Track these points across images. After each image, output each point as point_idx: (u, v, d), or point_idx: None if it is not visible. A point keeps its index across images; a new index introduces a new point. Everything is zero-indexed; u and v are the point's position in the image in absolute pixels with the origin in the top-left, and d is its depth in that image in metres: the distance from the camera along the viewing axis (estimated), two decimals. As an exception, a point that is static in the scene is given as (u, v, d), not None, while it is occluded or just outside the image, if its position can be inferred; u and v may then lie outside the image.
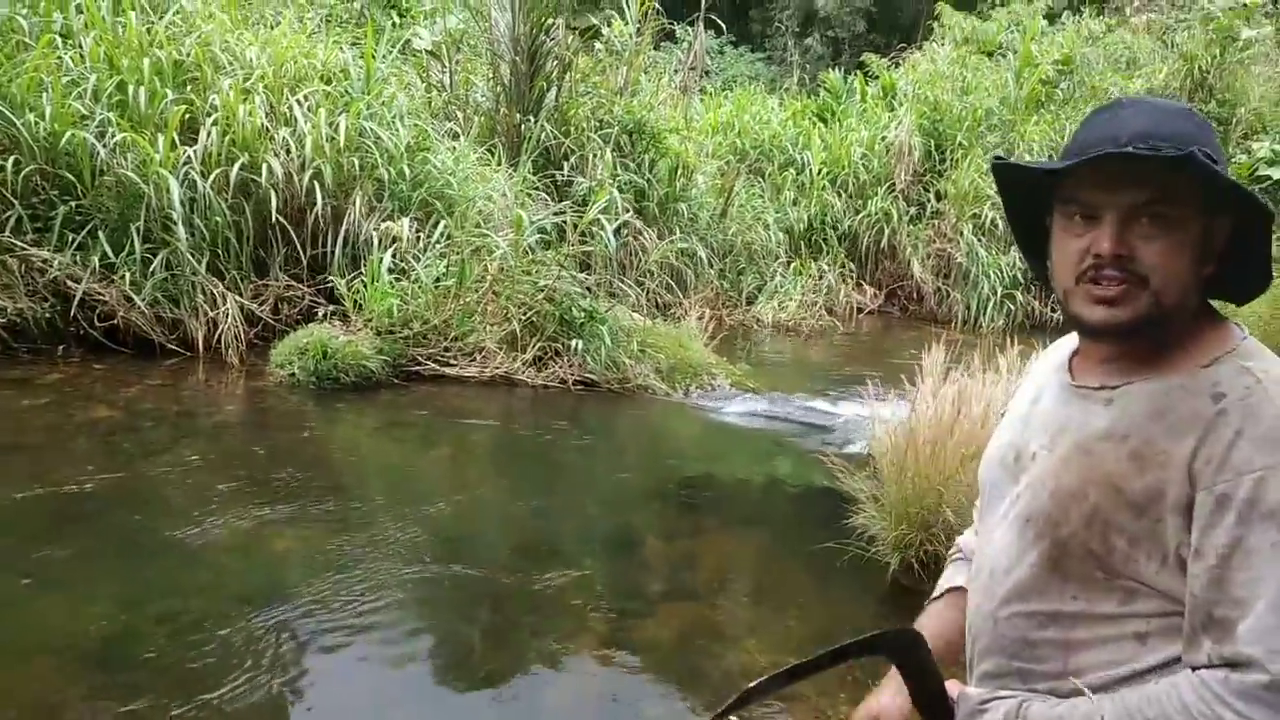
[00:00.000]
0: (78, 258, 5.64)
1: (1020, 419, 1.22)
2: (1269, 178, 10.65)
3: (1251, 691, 0.88)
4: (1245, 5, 11.15)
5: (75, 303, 5.53)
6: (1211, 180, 0.98)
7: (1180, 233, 1.01)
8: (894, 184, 10.95)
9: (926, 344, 4.41)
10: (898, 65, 13.90)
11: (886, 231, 10.64)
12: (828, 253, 10.53)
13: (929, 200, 10.92)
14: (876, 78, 13.34)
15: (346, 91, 7.06)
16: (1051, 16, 15.01)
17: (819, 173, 10.88)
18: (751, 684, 0.99)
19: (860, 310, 10.38)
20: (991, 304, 10.03)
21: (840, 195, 10.89)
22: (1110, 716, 0.97)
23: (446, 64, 8.74)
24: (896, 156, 10.97)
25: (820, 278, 10.18)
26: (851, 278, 10.54)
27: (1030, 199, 1.14)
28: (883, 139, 11.33)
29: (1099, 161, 1.01)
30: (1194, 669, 0.94)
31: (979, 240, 10.33)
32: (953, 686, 1.13)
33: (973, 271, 10.24)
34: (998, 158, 1.12)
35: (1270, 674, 0.87)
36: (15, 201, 5.53)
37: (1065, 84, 11.89)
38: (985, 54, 13.34)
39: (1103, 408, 1.07)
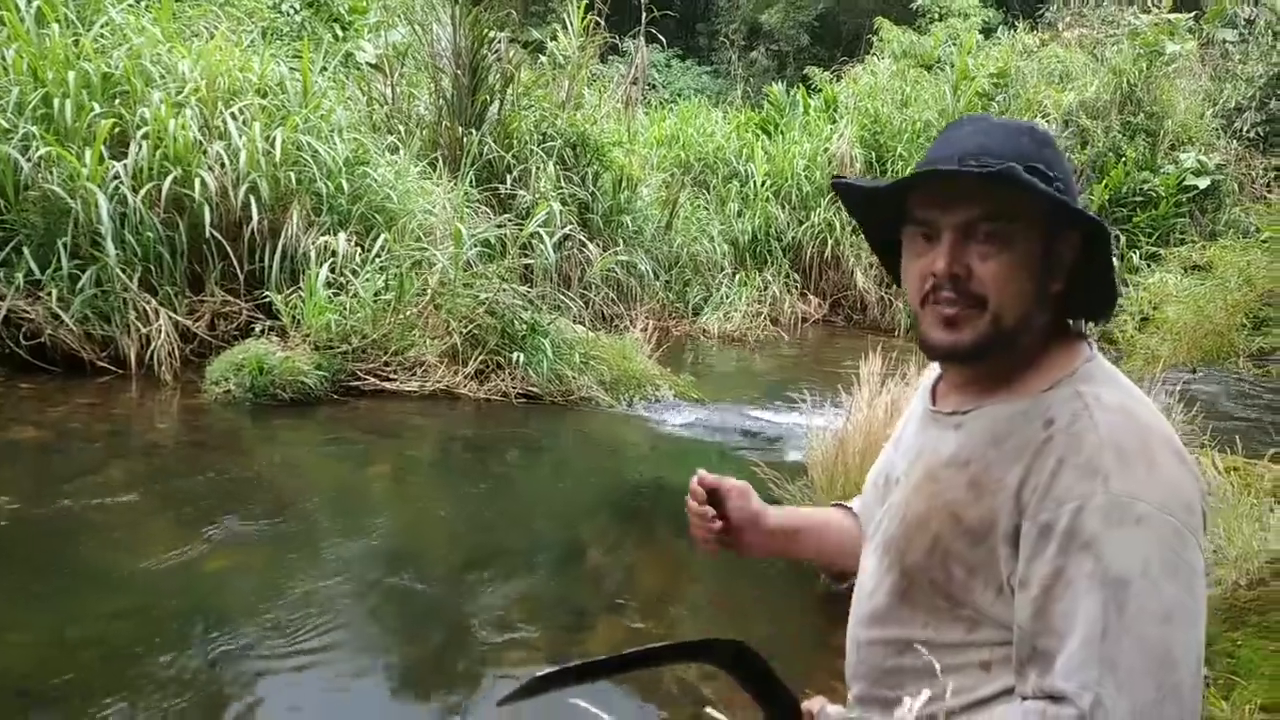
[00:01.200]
0: (1, 274, 5.48)
1: (894, 442, 1.22)
2: (1195, 188, 11.01)
3: None
4: (1170, 21, 11.53)
5: (-1, 321, 5.38)
6: (1033, 195, 0.94)
7: (1018, 250, 0.98)
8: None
9: (867, 353, 4.48)
10: (840, 78, 14.13)
11: (830, 242, 10.78)
12: (772, 264, 10.64)
13: (871, 211, 11.07)
14: (819, 90, 13.54)
15: (283, 105, 6.97)
16: (987, 31, 15.40)
17: (763, 185, 10.99)
18: (538, 674, 0.98)
19: (805, 320, 10.50)
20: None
21: (784, 207, 11.01)
22: None
23: (389, 77, 8.68)
24: (838, 168, 11.13)
25: (765, 288, 10.28)
26: (796, 288, 10.65)
27: (884, 214, 1.11)
28: (825, 150, 11.49)
29: (921, 179, 0.99)
30: (1023, 699, 0.93)
31: (919, 250, 10.49)
32: (816, 702, 1.14)
33: (914, 281, 10.39)
34: (836, 178, 1.11)
35: (1078, 709, 0.85)
36: (-65, 218, 5.37)
37: (1001, 96, 12.18)
38: (924, 67, 13.61)
39: (952, 433, 1.05)
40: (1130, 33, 11.85)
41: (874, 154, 11.55)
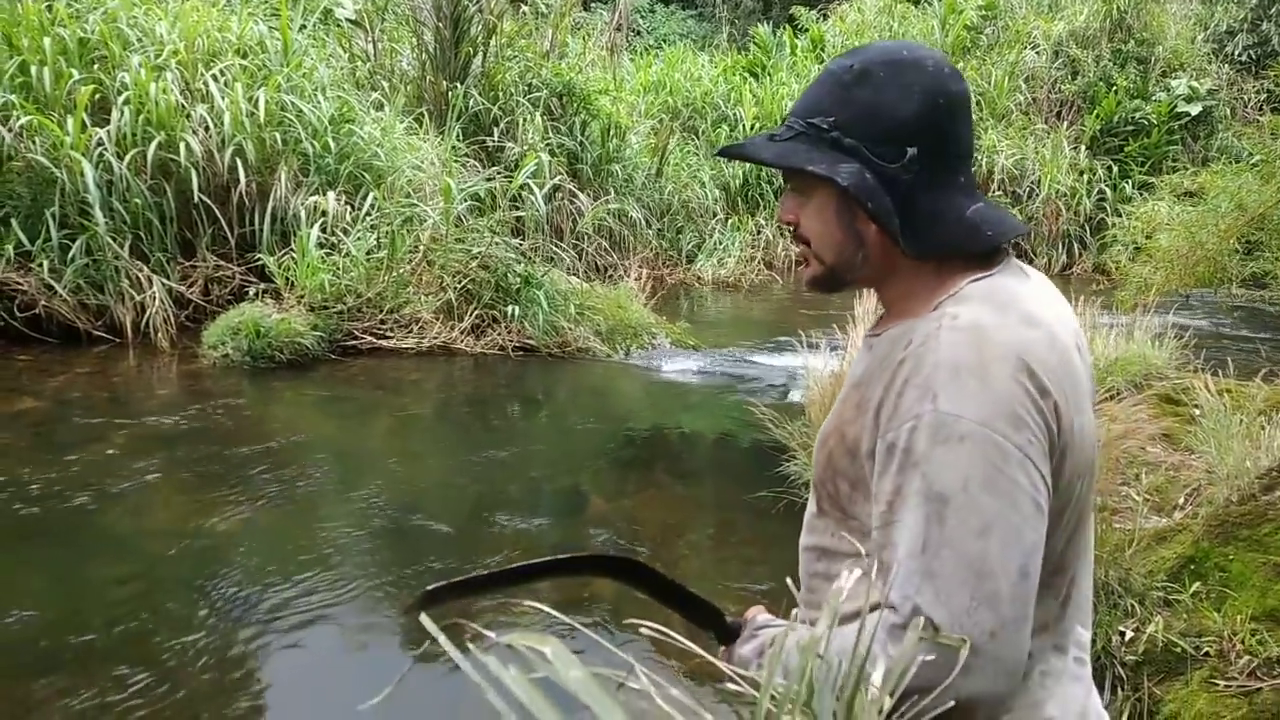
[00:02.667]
0: (-9, 247, 5.47)
1: None
2: (1187, 114, 10.94)
3: (890, 632, 0.90)
4: (1160, -55, 11.36)
5: (-8, 294, 5.37)
6: (754, 161, 1.09)
7: (814, 201, 1.06)
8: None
9: (861, 293, 4.49)
10: (826, 18, 13.93)
11: (821, 184, 10.71)
12: (765, 208, 10.60)
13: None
14: (806, 31, 13.36)
15: (264, 65, 6.89)
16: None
17: (751, 128, 10.90)
18: (432, 586, 1.00)
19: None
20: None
21: (774, 150, 10.92)
22: (795, 640, 1.00)
23: (370, 33, 8.56)
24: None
25: (758, 233, 10.26)
26: (789, 231, 10.61)
27: None
28: (813, 91, 11.37)
29: (720, 155, 1.14)
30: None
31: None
32: (753, 610, 1.20)
33: (907, 219, 10.36)
34: (722, 150, 1.18)
35: (900, 617, 0.89)
36: (-81, 192, 5.34)
37: (990, 29, 12.04)
38: (911, 2, 13.42)
39: (865, 355, 1.11)
40: (1120, -42, 11.65)
41: (863, 92, 11.41)
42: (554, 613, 0.88)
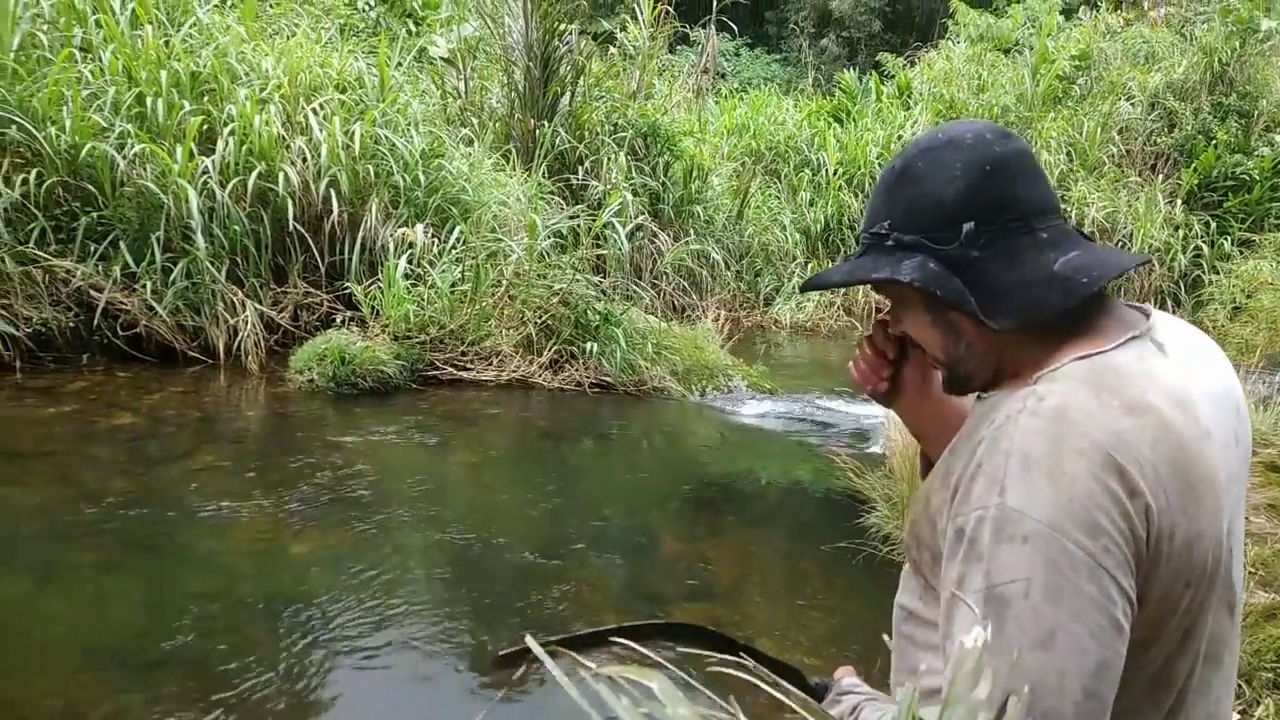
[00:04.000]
0: (100, 268, 5.72)
1: None
2: (1291, 170, 10.53)
3: None
4: (1265, -3, 11.04)
5: (98, 312, 5.61)
6: (830, 286, 1.12)
7: (906, 308, 1.08)
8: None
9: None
10: (913, 64, 13.86)
11: (904, 231, 10.59)
12: (845, 251, 10.51)
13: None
14: (892, 77, 13.31)
15: (361, 100, 7.12)
16: (1068, 12, 14.91)
17: (835, 173, 10.87)
18: (519, 647, 1.01)
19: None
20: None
21: (856, 195, 10.87)
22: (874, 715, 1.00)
23: (461, 71, 8.80)
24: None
25: (838, 278, 10.15)
26: (869, 278, 10.50)
27: None
28: (898, 138, 11.30)
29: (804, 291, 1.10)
30: None
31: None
32: (842, 671, 1.18)
33: (991, 270, 10.15)
34: (804, 285, 1.19)
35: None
36: (39, 213, 5.62)
37: (1083, 80, 11.82)
38: (1001, 51, 13.27)
39: (969, 416, 1.08)
40: (1222, 10, 11.35)
41: (949, 140, 11.29)
42: (645, 651, 0.86)
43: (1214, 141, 10.67)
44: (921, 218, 1.00)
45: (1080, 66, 11.91)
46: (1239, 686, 2.37)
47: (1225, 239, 10.20)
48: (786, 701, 0.83)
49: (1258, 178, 10.45)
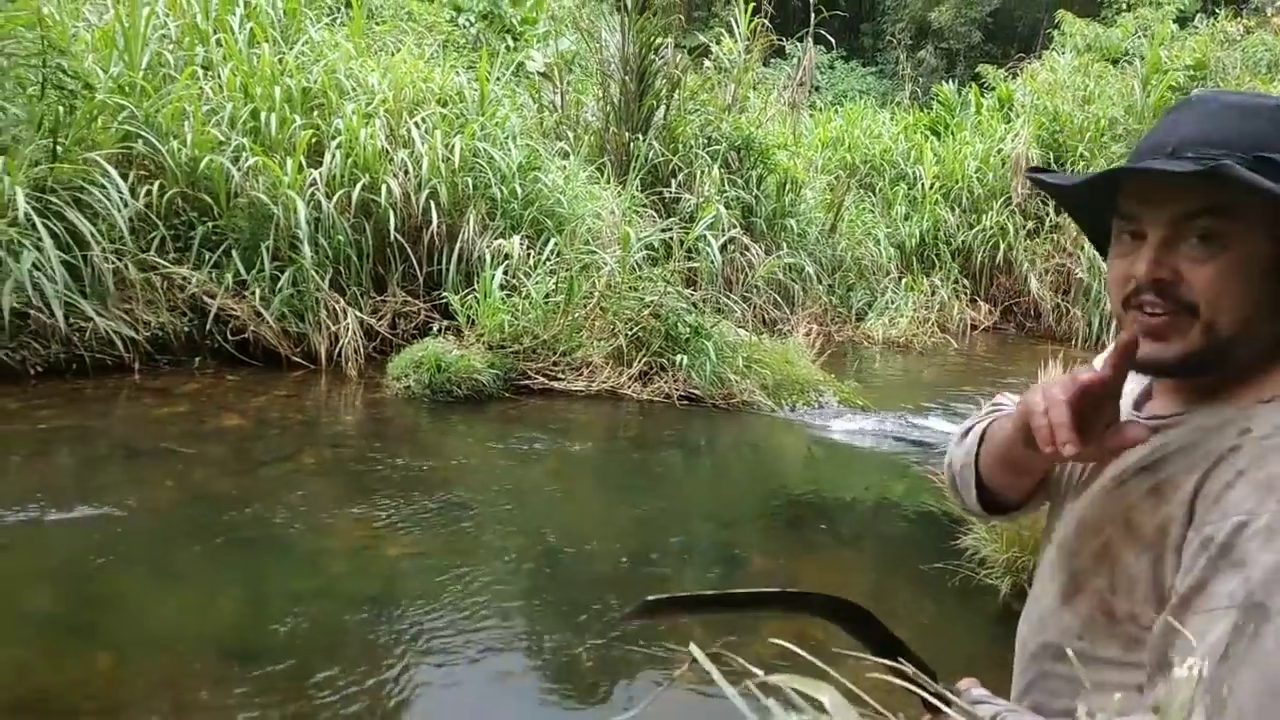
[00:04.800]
0: (213, 275, 6.00)
1: None
2: None
3: None
4: (1401, 2, 10.42)
5: (210, 317, 5.88)
6: (1252, 191, 0.83)
7: (1238, 253, 0.88)
8: (1010, 197, 10.63)
9: (1043, 362, 4.27)
10: (1015, 76, 13.50)
11: (1002, 246, 10.34)
12: (940, 268, 10.30)
13: (1047, 214, 10.55)
14: (993, 89, 13.00)
15: (462, 114, 7.30)
16: (1182, 20, 14.33)
17: (931, 187, 10.66)
18: (652, 598, 0.96)
19: (974, 327, 10.10)
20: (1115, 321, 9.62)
21: (954, 209, 10.64)
22: None
23: (558, 85, 8.95)
24: (1013, 169, 10.65)
25: (933, 294, 9.96)
26: (965, 294, 10.27)
27: (1094, 208, 1.02)
28: (998, 151, 11.03)
29: (1115, 175, 0.91)
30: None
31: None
32: (966, 682, 1.09)
33: (1094, 287, 9.82)
34: (1032, 169, 1.02)
35: None
36: (159, 223, 5.92)
37: (1197, 92, 11.32)
38: (1109, 61, 12.82)
39: (1149, 436, 0.95)
40: (1352, 16, 10.76)
41: (1052, 154, 10.97)
42: (803, 653, 0.82)
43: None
44: None
45: (1195, 77, 11.42)
46: None
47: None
48: (948, 711, 0.80)
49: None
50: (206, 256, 6.04)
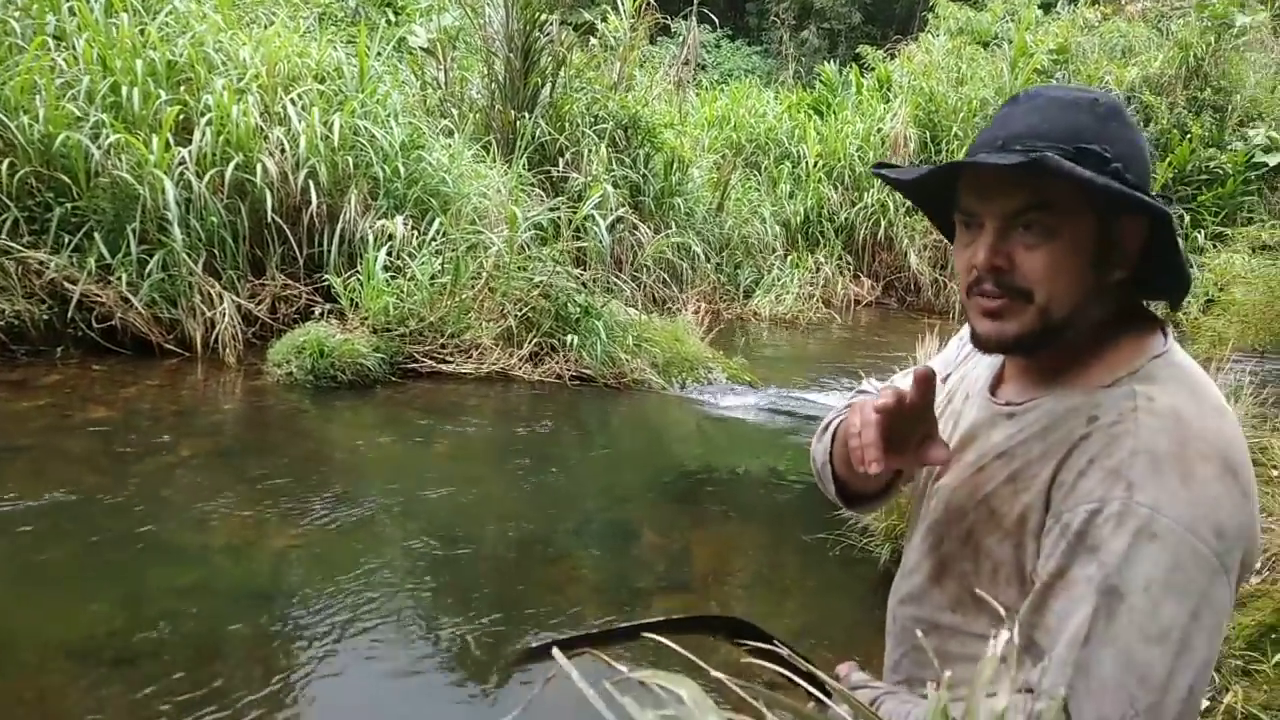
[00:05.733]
0: (74, 259, 5.65)
1: (953, 412, 1.14)
2: (1265, 165, 10.67)
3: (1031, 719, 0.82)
4: (1240, -8, 11.16)
5: (73, 304, 5.55)
6: (1075, 182, 0.88)
7: (1066, 240, 0.93)
8: (890, 175, 10.96)
9: (922, 335, 4.44)
10: (893, 57, 13.90)
11: (883, 223, 10.65)
12: (825, 245, 10.55)
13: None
14: (872, 70, 13.34)
15: (340, 90, 7.07)
16: (1046, 6, 15.00)
17: (815, 165, 10.89)
18: (535, 644, 1.01)
19: (858, 302, 10.40)
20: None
21: (837, 188, 10.90)
22: (904, 710, 0.97)
23: (441, 61, 8.74)
24: (892, 148, 10.99)
25: (817, 270, 10.20)
26: (849, 270, 10.55)
27: (936, 198, 1.06)
28: (878, 131, 11.34)
29: (946, 171, 0.96)
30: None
31: (975, 231, 10.34)
32: (845, 666, 1.14)
33: (970, 262, 10.22)
34: (877, 165, 1.07)
35: (1044, 704, 0.82)
36: (11, 204, 5.54)
37: (1061, 73, 11.89)
38: (980, 44, 13.33)
39: (1004, 423, 1.02)
40: (1197, 5, 11.47)
41: (929, 133, 11.36)
42: (677, 648, 0.84)
43: (1189, 136, 10.79)
44: (1140, 165, 0.94)
45: (1058, 60, 11.99)
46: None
47: (1199, 232, 10.33)
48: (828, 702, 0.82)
49: (1231, 172, 10.58)
50: (66, 240, 5.69)
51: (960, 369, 1.20)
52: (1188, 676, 0.83)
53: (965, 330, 1.22)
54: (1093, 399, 0.95)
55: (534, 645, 1.01)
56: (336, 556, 3.56)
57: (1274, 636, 2.44)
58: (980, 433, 1.06)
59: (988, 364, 1.13)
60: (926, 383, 0.96)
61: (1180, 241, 0.96)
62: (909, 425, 0.99)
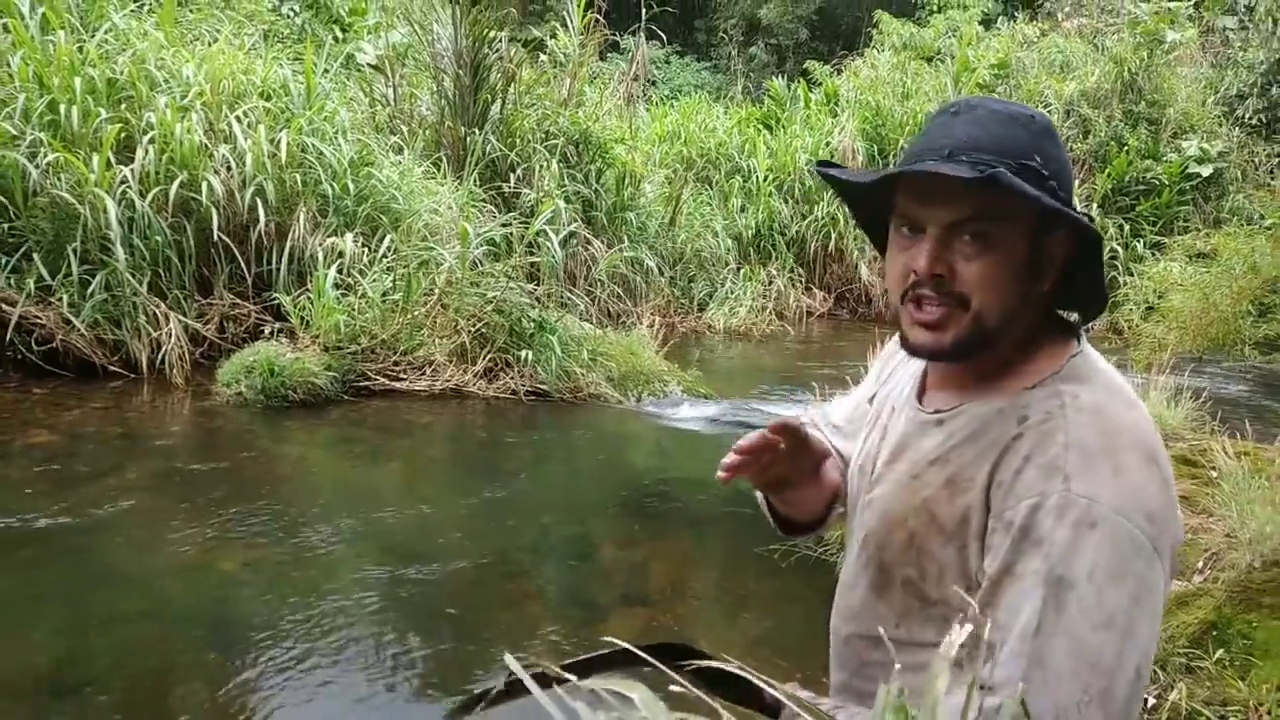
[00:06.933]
0: (12, 280, 5.52)
1: (880, 426, 1.17)
2: (1198, 175, 11.01)
3: (988, 715, 0.85)
4: (1170, 10, 11.53)
5: (11, 326, 5.40)
6: (1022, 198, 0.91)
7: (1003, 251, 0.95)
8: (839, 188, 11.12)
9: (873, 345, 4.49)
10: (840, 72, 14.13)
11: (834, 235, 10.79)
12: (777, 258, 10.66)
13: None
14: (820, 84, 13.55)
15: (287, 107, 7.00)
16: (987, 22, 15.39)
17: (765, 179, 11.01)
18: (485, 689, 1.01)
19: (810, 314, 10.52)
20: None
21: (787, 201, 11.03)
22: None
23: (390, 78, 8.70)
24: (840, 161, 11.15)
25: (770, 283, 10.30)
26: (801, 282, 10.67)
27: (872, 203, 1.08)
28: (827, 144, 11.51)
29: (900, 175, 0.98)
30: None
31: (923, 242, 10.53)
32: (790, 687, 1.15)
33: (918, 273, 10.39)
34: (821, 164, 1.07)
35: (1000, 698, 0.85)
36: (-56, 225, 5.40)
37: (1002, 88, 12.17)
38: (924, 60, 13.61)
39: (934, 429, 1.04)
40: (1130, 21, 11.84)
41: (876, 146, 11.56)
42: (635, 649, 0.84)
43: (1126, 148, 11.10)
44: (1067, 182, 0.98)
45: (1000, 75, 12.28)
46: (1154, 672, 2.47)
47: (1138, 241, 10.61)
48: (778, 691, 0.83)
49: (1166, 182, 10.90)
50: (3, 260, 5.55)
51: (885, 387, 1.23)
52: (1134, 659, 0.86)
53: (887, 349, 1.26)
54: (1019, 400, 0.98)
55: (477, 692, 1.01)
56: (289, 579, 3.49)
57: (1215, 634, 2.50)
58: (911, 442, 1.07)
59: (910, 374, 1.16)
60: (783, 432, 1.11)
61: (1102, 260, 1.01)
62: (792, 453, 1.13)
